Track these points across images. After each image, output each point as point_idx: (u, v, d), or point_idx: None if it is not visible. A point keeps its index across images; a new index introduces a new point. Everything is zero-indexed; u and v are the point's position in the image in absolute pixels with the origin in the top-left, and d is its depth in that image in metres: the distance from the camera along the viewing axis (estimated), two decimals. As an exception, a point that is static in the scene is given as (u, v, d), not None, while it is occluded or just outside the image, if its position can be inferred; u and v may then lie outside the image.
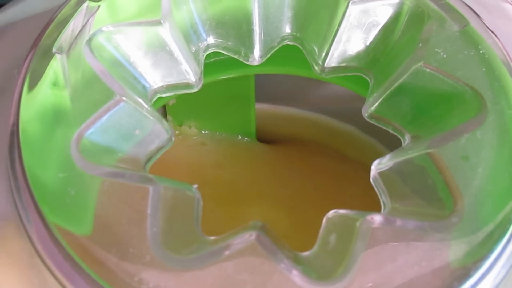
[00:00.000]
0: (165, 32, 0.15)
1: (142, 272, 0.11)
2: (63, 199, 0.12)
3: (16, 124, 0.13)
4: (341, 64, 0.16)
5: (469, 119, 0.13)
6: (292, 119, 0.24)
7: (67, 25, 0.14)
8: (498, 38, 0.14)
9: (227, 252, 0.11)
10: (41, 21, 0.15)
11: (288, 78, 0.21)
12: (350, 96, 0.20)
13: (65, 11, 0.15)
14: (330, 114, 0.24)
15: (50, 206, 0.12)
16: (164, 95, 0.15)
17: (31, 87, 0.14)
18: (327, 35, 0.15)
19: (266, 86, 0.23)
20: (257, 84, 0.22)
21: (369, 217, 0.12)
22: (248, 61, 0.16)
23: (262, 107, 0.23)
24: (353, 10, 0.15)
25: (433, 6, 0.15)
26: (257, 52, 0.16)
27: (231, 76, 0.20)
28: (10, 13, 0.17)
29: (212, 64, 0.18)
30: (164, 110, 0.23)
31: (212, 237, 0.12)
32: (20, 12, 0.17)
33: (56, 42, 0.14)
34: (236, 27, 0.16)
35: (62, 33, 0.14)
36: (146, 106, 0.14)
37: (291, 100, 0.24)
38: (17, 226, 0.12)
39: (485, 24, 0.15)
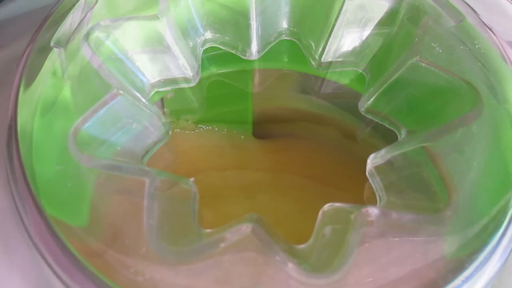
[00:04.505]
0: (163, 27, 0.15)
1: (138, 263, 0.11)
2: (60, 191, 0.12)
3: (14, 117, 0.13)
4: (338, 59, 0.16)
5: (464, 113, 0.13)
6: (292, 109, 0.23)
7: (65, 20, 0.15)
8: (494, 33, 0.14)
9: (222, 245, 0.11)
10: (40, 16, 0.15)
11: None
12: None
13: (63, 5, 0.15)
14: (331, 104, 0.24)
15: (47, 198, 0.12)
16: (161, 89, 0.15)
17: (29, 82, 0.14)
18: (324, 30, 0.15)
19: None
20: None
21: (364, 210, 0.12)
22: (245, 56, 0.16)
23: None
24: (350, 6, 0.15)
25: (429, 1, 0.15)
26: (254, 47, 0.16)
27: (229, 70, 0.20)
28: (9, 8, 0.17)
29: (210, 58, 0.18)
30: (161, 104, 0.23)
31: (208, 230, 0.12)
32: (19, 7, 0.17)
33: (54, 36, 0.14)
34: (233, 22, 0.16)
35: (60, 27, 0.14)
36: (143, 100, 0.14)
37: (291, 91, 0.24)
38: (14, 218, 0.12)
39: (481, 20, 0.15)
